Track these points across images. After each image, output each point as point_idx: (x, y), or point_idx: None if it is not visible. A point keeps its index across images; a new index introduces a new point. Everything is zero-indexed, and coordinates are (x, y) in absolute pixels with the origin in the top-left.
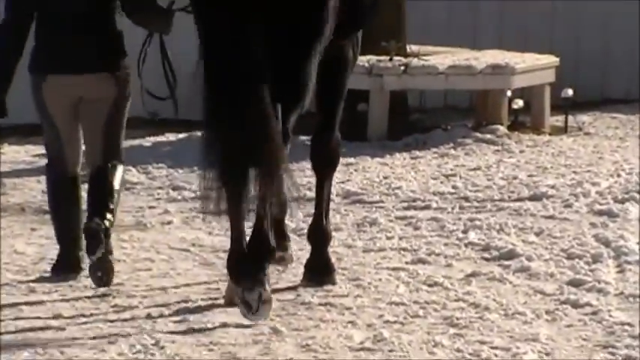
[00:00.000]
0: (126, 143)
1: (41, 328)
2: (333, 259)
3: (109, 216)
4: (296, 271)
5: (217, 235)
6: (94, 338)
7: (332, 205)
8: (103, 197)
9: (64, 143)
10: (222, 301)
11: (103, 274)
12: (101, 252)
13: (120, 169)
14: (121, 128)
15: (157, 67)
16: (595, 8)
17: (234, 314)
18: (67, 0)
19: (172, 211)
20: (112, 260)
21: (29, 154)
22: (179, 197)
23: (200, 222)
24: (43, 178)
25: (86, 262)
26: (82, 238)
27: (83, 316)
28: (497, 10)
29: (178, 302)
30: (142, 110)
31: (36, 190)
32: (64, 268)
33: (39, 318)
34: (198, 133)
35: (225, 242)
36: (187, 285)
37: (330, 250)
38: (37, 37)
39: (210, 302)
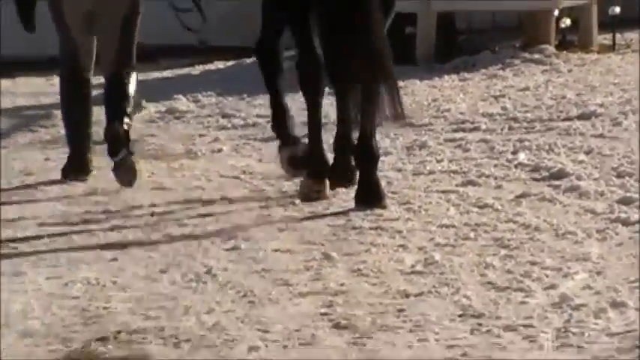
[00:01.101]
0: (174, 72)
1: (93, 258)
2: (384, 183)
3: (126, 120)
4: (346, 197)
5: (267, 163)
6: (146, 267)
7: (380, 129)
8: (120, 102)
9: (79, 50)
10: (273, 230)
11: (126, 174)
12: (123, 153)
13: (134, 75)
14: (133, 40)
15: None
16: None
17: (285, 240)
18: None
19: (222, 139)
20: (135, 161)
21: None
22: (229, 125)
23: (250, 149)
24: None
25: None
26: (91, 139)
27: (134, 244)
28: None
29: (230, 230)
30: (191, 38)
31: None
32: (75, 169)
33: (89, 248)
34: (247, 61)
35: (275, 169)
36: (238, 212)
37: (378, 172)
38: None
39: (261, 229)
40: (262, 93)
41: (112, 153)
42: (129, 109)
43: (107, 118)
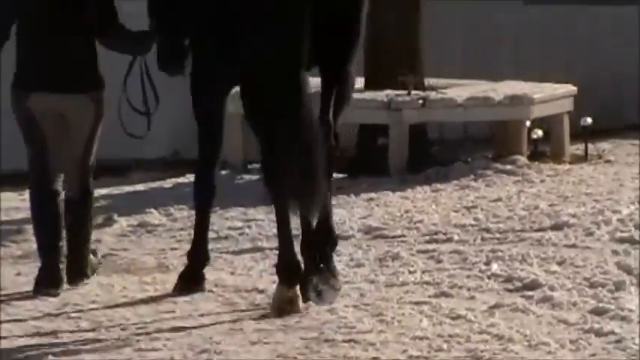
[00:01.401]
0: (146, 185)
1: None
2: (357, 295)
3: (90, 257)
4: (318, 309)
5: (240, 275)
6: None
7: (353, 241)
8: (82, 241)
9: (49, 157)
10: (245, 343)
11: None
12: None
13: (90, 198)
14: (94, 146)
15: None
16: (612, 37)
17: (258, 353)
18: (52, 29)
19: None
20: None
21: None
22: None
23: (222, 262)
24: None
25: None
26: (62, 250)
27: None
28: (513, 41)
29: (201, 343)
30: (163, 150)
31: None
32: (47, 282)
33: None
34: (220, 173)
35: (247, 282)
36: (210, 326)
37: (352, 283)
38: (19, 56)
39: (233, 343)
40: (234, 205)
41: (70, 280)
42: (90, 246)
43: (69, 250)
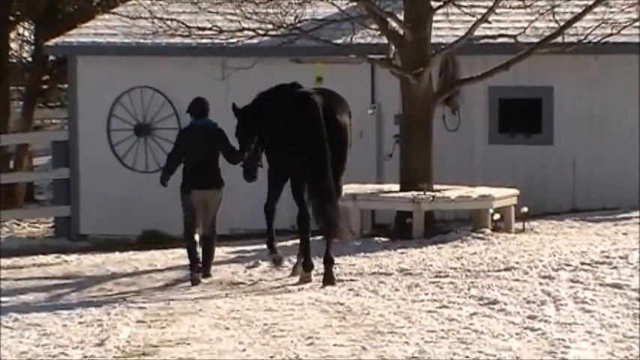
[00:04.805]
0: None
1: None
2: (395, 307)
3: (208, 271)
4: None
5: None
6: None
7: (392, 276)
8: (208, 258)
9: (196, 221)
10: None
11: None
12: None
13: (215, 235)
14: (216, 212)
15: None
16: (536, 156)
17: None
18: (201, 156)
19: None
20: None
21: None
22: None
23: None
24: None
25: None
26: (199, 261)
27: None
28: (484, 159)
29: None
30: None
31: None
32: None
33: None
34: None
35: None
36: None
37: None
38: (185, 171)
39: None
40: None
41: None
42: (211, 262)
43: (203, 261)
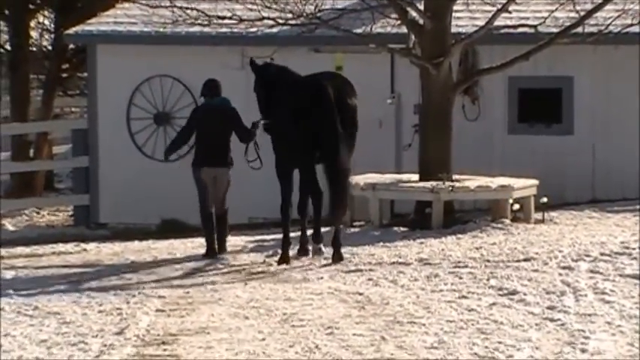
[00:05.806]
0: None
1: None
2: (420, 292)
3: (224, 246)
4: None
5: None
6: None
7: (412, 266)
8: (222, 235)
9: (209, 197)
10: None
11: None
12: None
13: (226, 213)
14: (226, 191)
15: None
16: (555, 146)
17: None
18: (212, 133)
19: None
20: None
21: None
22: None
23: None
24: None
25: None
26: (215, 237)
27: None
28: (503, 148)
29: None
30: None
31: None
32: (210, 254)
33: None
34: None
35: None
36: None
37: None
38: (197, 148)
39: None
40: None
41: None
42: (226, 239)
43: (217, 238)
